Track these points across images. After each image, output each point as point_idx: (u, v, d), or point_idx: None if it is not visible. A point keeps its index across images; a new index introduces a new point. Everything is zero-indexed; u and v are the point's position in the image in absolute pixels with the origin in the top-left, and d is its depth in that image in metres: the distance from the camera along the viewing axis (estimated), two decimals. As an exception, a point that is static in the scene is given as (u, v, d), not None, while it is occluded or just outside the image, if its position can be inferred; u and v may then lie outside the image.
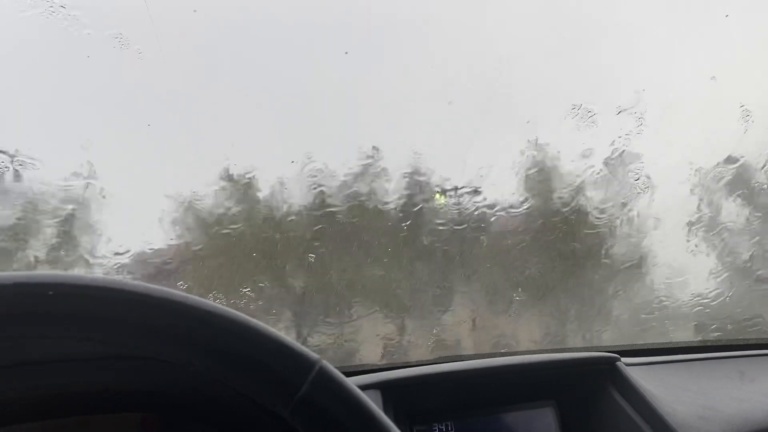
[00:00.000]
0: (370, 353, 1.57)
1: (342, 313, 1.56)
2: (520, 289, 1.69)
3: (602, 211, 1.50)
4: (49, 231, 1.37)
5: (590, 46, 1.43)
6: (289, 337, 0.35)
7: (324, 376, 0.35)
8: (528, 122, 1.42)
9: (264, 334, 0.34)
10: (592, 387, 0.76)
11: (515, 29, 1.45)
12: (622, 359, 0.78)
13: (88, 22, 1.14)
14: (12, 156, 1.15)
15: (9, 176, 1.20)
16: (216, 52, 1.37)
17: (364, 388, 0.62)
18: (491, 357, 0.81)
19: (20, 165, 1.17)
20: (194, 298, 0.34)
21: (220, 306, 0.34)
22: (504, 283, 1.73)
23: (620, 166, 1.47)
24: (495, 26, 1.45)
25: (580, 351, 0.81)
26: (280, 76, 1.43)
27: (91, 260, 1.39)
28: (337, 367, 0.37)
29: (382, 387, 0.66)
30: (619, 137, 1.37)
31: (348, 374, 0.71)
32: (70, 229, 1.38)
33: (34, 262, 1.33)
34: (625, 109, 1.31)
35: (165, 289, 0.35)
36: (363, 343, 1.54)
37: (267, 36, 1.39)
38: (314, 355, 0.35)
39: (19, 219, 1.33)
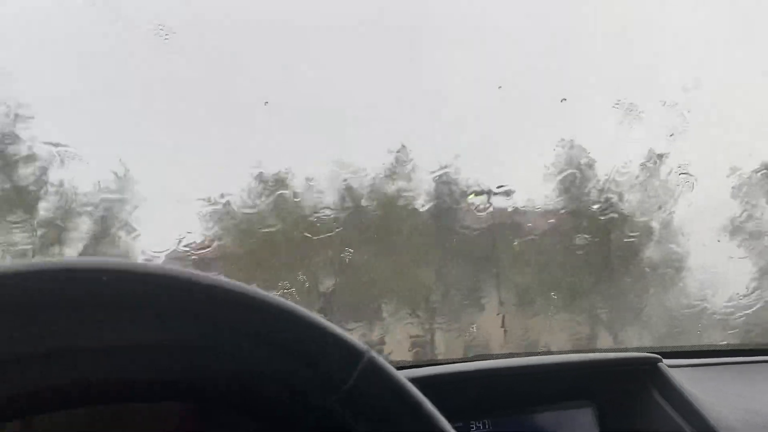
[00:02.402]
0: (399, 352, 1.57)
1: (371, 313, 1.56)
2: (552, 291, 1.67)
3: (642, 213, 1.47)
4: (84, 227, 1.40)
5: (638, 42, 1.39)
6: (337, 327, 0.35)
7: (373, 366, 0.34)
8: (563, 112, 1.39)
9: (313, 323, 0.34)
10: (633, 388, 0.74)
11: (559, 22, 1.42)
12: (665, 361, 0.76)
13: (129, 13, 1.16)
14: (56, 146, 1.18)
15: (53, 168, 1.23)
16: (250, 53, 1.38)
17: None
18: (527, 356, 0.79)
19: (62, 158, 1.19)
20: (243, 285, 0.34)
21: (268, 293, 0.34)
22: (536, 284, 1.71)
23: (660, 167, 1.44)
24: (536, 20, 1.43)
25: (620, 351, 0.79)
26: (313, 76, 1.43)
27: (125, 255, 1.42)
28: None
29: (418, 383, 0.65)
30: (664, 135, 1.34)
31: None
32: (105, 226, 1.41)
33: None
34: (673, 104, 1.28)
35: (213, 276, 0.35)
36: (392, 341, 1.54)
37: (302, 38, 1.40)
38: (363, 345, 0.35)
39: (56, 213, 1.36)
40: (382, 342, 1.55)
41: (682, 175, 1.26)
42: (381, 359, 0.35)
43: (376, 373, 0.34)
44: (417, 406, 0.35)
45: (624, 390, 0.75)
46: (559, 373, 0.72)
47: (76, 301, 0.33)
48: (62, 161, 1.22)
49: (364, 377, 0.34)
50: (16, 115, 1.24)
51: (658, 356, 0.75)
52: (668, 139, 1.26)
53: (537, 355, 0.83)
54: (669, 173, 1.36)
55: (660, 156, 1.47)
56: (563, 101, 1.34)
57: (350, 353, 0.34)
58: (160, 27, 1.13)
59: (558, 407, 0.74)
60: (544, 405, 0.73)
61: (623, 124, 1.26)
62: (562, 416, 0.73)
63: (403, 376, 0.36)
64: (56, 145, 1.19)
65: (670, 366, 0.76)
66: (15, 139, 1.23)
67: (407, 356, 1.60)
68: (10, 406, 0.48)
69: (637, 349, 0.82)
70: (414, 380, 0.51)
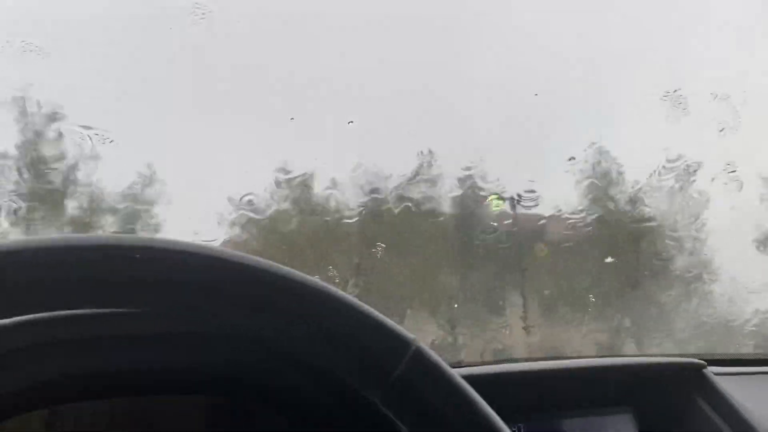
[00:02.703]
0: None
1: (393, 316, 1.54)
2: (578, 298, 1.63)
3: (675, 222, 1.43)
4: (111, 226, 1.40)
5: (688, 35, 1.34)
6: (383, 315, 0.33)
7: (421, 357, 0.32)
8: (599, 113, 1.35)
9: (360, 311, 0.32)
10: (676, 395, 0.71)
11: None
12: (709, 368, 0.73)
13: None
14: (88, 129, 1.17)
15: (84, 154, 1.22)
16: (279, 51, 1.37)
17: None
18: (562, 359, 0.77)
19: (95, 143, 1.19)
20: (288, 269, 0.32)
21: (314, 279, 0.33)
22: (561, 291, 1.67)
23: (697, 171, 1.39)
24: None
25: (662, 356, 0.76)
26: (342, 75, 1.42)
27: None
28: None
29: None
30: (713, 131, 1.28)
31: None
32: (131, 225, 1.41)
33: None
34: (725, 97, 1.23)
35: (257, 258, 0.33)
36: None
37: (331, 35, 1.39)
38: (410, 335, 0.33)
39: (83, 212, 1.36)
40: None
41: (731, 174, 1.21)
42: (429, 350, 0.33)
43: (423, 363, 0.32)
44: (467, 400, 0.33)
45: (666, 396, 0.71)
46: (599, 377, 0.69)
47: (109, 281, 0.31)
48: (91, 156, 1.22)
49: (411, 368, 0.32)
50: (54, 114, 1.25)
51: (703, 362, 0.72)
52: (719, 134, 1.21)
53: (572, 358, 0.80)
54: (713, 178, 1.30)
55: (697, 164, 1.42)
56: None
57: (398, 342, 0.32)
58: (197, 4, 1.11)
59: (596, 412, 0.71)
60: (582, 409, 0.70)
61: (669, 118, 1.22)
62: (600, 421, 0.70)
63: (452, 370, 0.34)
64: (87, 128, 1.18)
65: (716, 373, 0.73)
66: (46, 136, 1.24)
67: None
68: (36, 395, 0.47)
69: (678, 356, 0.79)
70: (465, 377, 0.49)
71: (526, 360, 1.00)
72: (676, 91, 1.24)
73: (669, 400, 0.71)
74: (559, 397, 0.70)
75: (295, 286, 0.31)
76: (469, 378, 0.65)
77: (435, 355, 0.33)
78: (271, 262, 0.32)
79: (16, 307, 0.30)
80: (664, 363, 0.72)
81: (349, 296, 0.33)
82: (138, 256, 0.30)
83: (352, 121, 1.23)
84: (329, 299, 0.32)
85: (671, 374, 0.71)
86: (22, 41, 1.06)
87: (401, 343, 0.32)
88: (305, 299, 0.31)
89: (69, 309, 0.32)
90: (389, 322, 0.33)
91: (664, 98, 1.24)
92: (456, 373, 0.33)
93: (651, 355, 0.97)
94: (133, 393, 0.49)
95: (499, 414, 0.66)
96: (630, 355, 1.23)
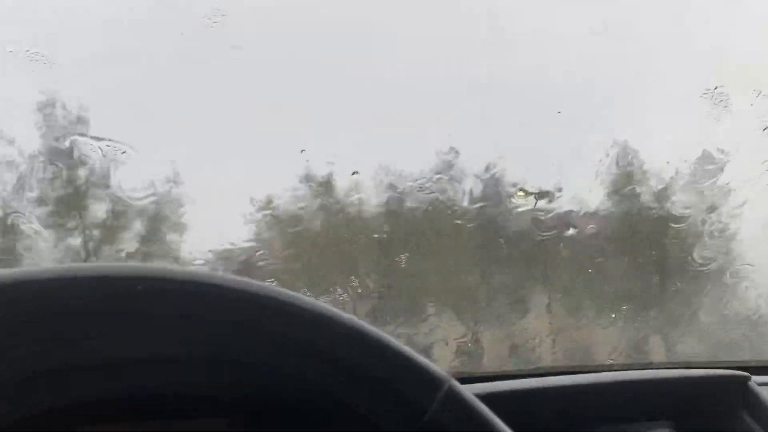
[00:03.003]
0: (447, 355, 1.52)
1: (417, 316, 1.52)
2: (603, 298, 1.60)
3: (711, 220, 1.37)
4: (135, 225, 1.41)
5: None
6: (414, 351, 0.31)
7: (454, 396, 0.30)
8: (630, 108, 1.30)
9: (389, 346, 0.30)
10: (719, 408, 0.68)
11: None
12: (753, 378, 0.69)
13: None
14: (101, 140, 1.17)
15: (99, 165, 1.23)
16: (299, 47, 1.36)
17: None
18: (595, 372, 0.74)
19: (111, 154, 1.19)
20: (308, 299, 0.30)
21: (337, 310, 0.30)
22: (587, 291, 1.64)
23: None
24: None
25: (701, 368, 0.73)
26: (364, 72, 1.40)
27: (172, 256, 1.42)
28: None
29: (484, 400, 0.60)
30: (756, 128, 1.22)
31: None
32: (155, 225, 1.41)
33: (125, 257, 1.37)
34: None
35: (272, 287, 0.31)
36: (439, 345, 1.50)
37: (349, 33, 1.37)
38: (443, 373, 0.31)
39: (107, 214, 1.37)
40: (429, 346, 1.50)
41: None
42: (463, 389, 0.31)
43: (457, 404, 0.30)
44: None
45: (708, 410, 0.68)
46: (638, 392, 0.66)
47: (111, 312, 0.30)
48: (113, 161, 1.22)
49: (444, 409, 0.30)
50: (78, 118, 1.25)
51: (747, 374, 0.68)
52: (762, 133, 1.16)
53: (606, 370, 0.77)
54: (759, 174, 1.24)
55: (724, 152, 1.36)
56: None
57: (429, 381, 0.30)
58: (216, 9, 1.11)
59: (632, 428, 0.68)
60: (617, 425, 0.67)
61: (710, 115, 1.17)
62: None
63: (483, 406, 0.32)
64: (101, 140, 1.19)
65: (760, 384, 0.70)
66: (70, 140, 1.24)
67: (455, 360, 1.56)
68: (56, 419, 0.46)
69: (721, 365, 0.75)
70: (480, 397, 0.46)
71: (554, 372, 0.97)
72: (717, 88, 1.19)
73: (711, 415, 0.68)
74: (594, 411, 0.67)
75: (311, 316, 0.29)
76: (502, 395, 0.63)
77: (470, 394, 0.31)
78: (275, 288, 0.30)
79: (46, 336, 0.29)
80: (706, 375, 0.68)
81: (375, 329, 0.31)
82: (140, 288, 0.29)
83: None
84: (353, 333, 0.30)
85: (713, 387, 0.68)
86: (27, 51, 1.06)
87: (434, 381, 0.30)
88: (324, 332, 0.29)
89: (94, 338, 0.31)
90: (420, 358, 0.30)
91: (705, 95, 1.19)
92: (494, 416, 0.30)
93: (691, 366, 0.94)
94: (150, 417, 0.48)
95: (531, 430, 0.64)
96: (668, 365, 1.19)
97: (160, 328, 0.30)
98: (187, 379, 0.46)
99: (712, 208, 1.37)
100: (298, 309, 0.30)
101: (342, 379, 0.30)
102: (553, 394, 0.64)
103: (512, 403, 0.60)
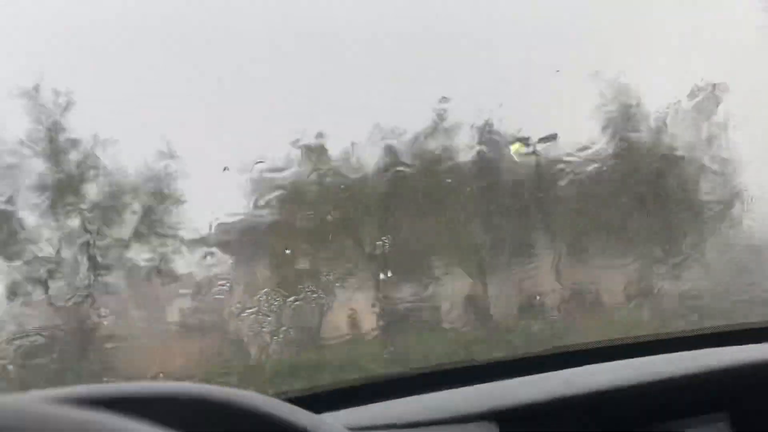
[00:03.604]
0: (452, 314, 1.54)
1: (422, 273, 1.53)
2: (606, 238, 1.60)
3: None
4: (133, 205, 1.40)
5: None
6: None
7: None
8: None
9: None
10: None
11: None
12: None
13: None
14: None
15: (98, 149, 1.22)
16: (288, 19, 1.32)
17: (477, 417, 0.53)
18: (626, 356, 0.71)
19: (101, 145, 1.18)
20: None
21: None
22: (588, 231, 1.64)
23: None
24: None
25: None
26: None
27: (172, 235, 1.42)
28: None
29: (499, 417, 0.57)
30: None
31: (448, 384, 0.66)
32: (153, 203, 1.41)
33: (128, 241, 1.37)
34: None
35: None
36: (446, 301, 1.51)
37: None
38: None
39: (104, 194, 1.36)
40: (437, 302, 1.52)
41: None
42: None
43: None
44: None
45: (764, 398, 0.66)
46: (694, 384, 0.65)
47: None
48: (104, 143, 1.21)
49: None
50: (68, 103, 1.23)
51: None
52: None
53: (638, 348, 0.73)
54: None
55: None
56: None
57: None
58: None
59: (684, 423, 0.65)
60: (668, 421, 0.65)
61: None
62: (694, 429, 0.65)
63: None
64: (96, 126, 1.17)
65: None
66: (62, 127, 1.22)
67: (462, 314, 1.57)
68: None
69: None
70: (491, 413, 0.46)
71: (576, 346, 0.93)
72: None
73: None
74: (641, 408, 0.65)
75: None
76: (518, 410, 0.59)
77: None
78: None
79: None
80: (760, 364, 0.66)
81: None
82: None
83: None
84: None
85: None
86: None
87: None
88: None
89: None
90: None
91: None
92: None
93: (746, 328, 0.89)
94: None
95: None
96: (712, 336, 1.05)
97: None
98: None
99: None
100: None
101: None
102: (575, 405, 0.62)
103: (526, 421, 0.58)
